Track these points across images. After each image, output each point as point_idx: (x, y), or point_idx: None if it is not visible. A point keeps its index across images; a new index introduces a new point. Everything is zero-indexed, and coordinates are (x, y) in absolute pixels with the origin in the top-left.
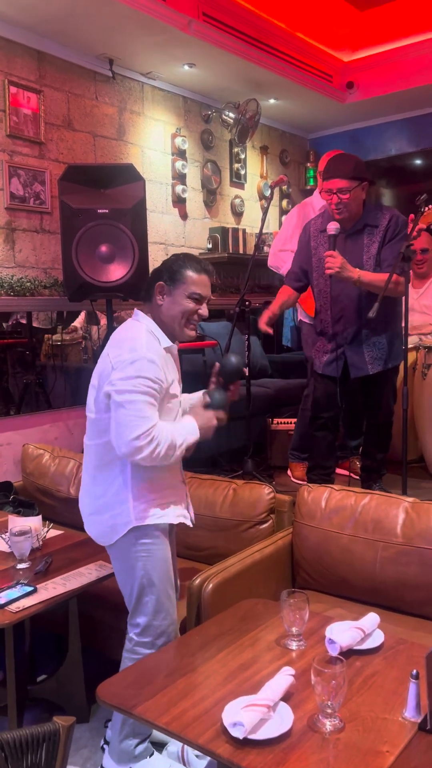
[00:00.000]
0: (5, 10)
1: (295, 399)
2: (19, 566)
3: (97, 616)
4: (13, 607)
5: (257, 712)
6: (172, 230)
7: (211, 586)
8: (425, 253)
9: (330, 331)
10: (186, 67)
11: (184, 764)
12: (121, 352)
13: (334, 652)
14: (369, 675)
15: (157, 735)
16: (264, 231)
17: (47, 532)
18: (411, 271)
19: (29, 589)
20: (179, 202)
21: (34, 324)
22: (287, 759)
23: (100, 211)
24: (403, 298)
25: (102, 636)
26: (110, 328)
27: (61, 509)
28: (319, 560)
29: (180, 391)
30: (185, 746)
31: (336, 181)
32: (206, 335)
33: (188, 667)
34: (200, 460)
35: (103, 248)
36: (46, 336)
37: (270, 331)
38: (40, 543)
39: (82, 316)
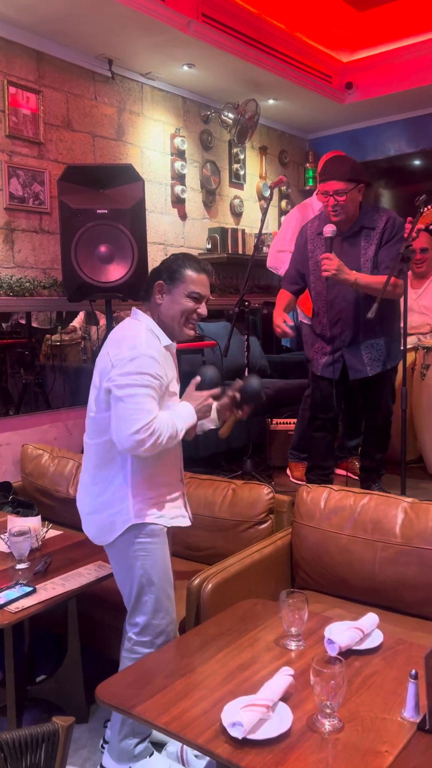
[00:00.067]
0: (4, 11)
1: (295, 399)
2: (18, 566)
3: (96, 617)
4: (12, 607)
5: (256, 712)
6: (171, 230)
7: (210, 586)
8: (425, 252)
9: (328, 334)
10: (185, 68)
11: (183, 764)
12: (121, 350)
13: (333, 652)
14: (368, 675)
15: (156, 735)
16: (263, 231)
17: (46, 532)
18: (410, 271)
19: (28, 589)
20: (178, 202)
21: (34, 324)
22: (286, 759)
23: (99, 211)
24: (402, 299)
25: (101, 636)
26: (109, 329)
27: (61, 509)
28: (318, 560)
29: (178, 390)
30: (184, 746)
31: (332, 183)
32: (205, 335)
33: (187, 667)
34: (200, 460)
35: (103, 248)
36: (45, 336)
37: (288, 331)
38: (39, 543)
39: (80, 316)
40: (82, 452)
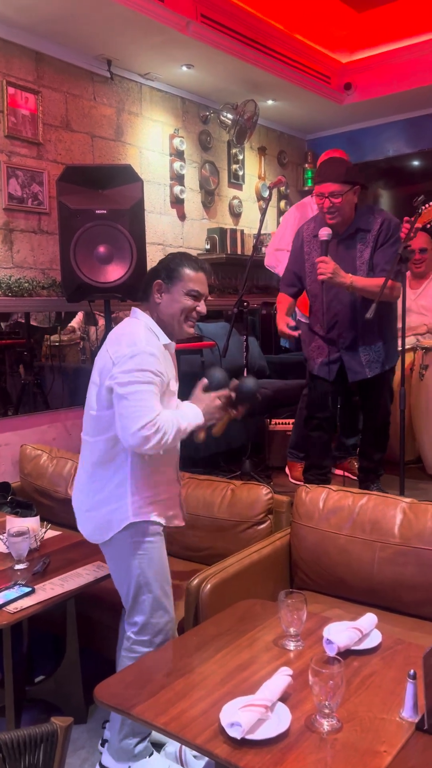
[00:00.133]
0: (3, 11)
1: (294, 400)
2: (17, 567)
3: (95, 617)
4: (11, 607)
5: (255, 713)
6: (170, 231)
7: (209, 586)
8: (424, 252)
9: (326, 335)
10: (184, 68)
11: (182, 765)
12: (121, 348)
13: (331, 653)
14: (367, 675)
15: (155, 735)
16: (262, 232)
17: (45, 532)
18: (408, 272)
19: (27, 589)
20: (177, 202)
21: (33, 323)
22: (285, 759)
23: (98, 211)
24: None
25: (100, 636)
26: (108, 329)
27: (59, 510)
28: (317, 561)
29: (177, 389)
30: (183, 747)
31: (328, 185)
32: (204, 336)
33: (186, 668)
34: (199, 460)
35: (101, 249)
36: (44, 336)
37: (294, 333)
38: (38, 544)
39: (79, 316)
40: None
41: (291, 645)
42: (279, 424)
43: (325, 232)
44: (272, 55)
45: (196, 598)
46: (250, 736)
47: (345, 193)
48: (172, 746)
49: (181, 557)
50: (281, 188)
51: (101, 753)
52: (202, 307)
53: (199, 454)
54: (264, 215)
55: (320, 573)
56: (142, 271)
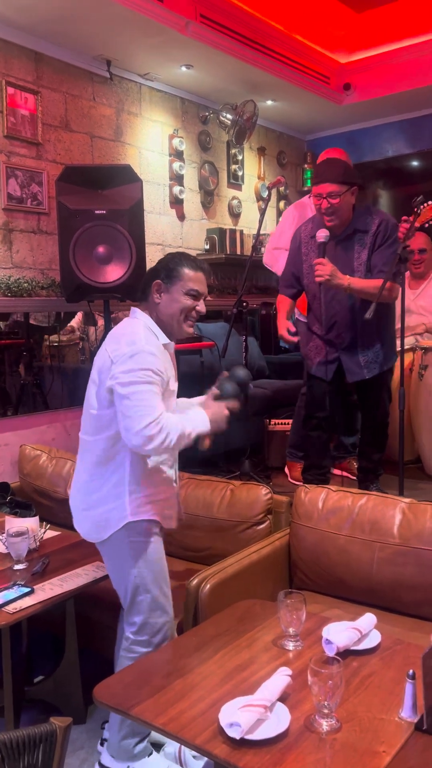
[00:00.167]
0: (3, 11)
1: (293, 400)
2: (16, 567)
3: (94, 617)
4: (10, 608)
5: (254, 713)
6: (169, 231)
7: (208, 586)
8: (423, 253)
9: (324, 336)
10: (183, 69)
11: (181, 765)
12: (120, 346)
13: (331, 653)
14: (366, 675)
15: (155, 735)
16: (261, 232)
17: (44, 533)
18: (407, 272)
19: (26, 590)
20: (176, 203)
21: (32, 321)
22: (284, 759)
23: (97, 212)
24: (400, 299)
25: (99, 637)
26: (107, 329)
27: (58, 510)
28: (317, 561)
29: (176, 388)
30: (182, 747)
31: (326, 186)
32: (204, 336)
33: (185, 668)
34: (198, 460)
35: (101, 249)
36: (43, 337)
37: (294, 339)
38: (37, 544)
39: (78, 316)
40: None
41: (290, 645)
42: (278, 424)
43: (322, 234)
44: (271, 55)
45: (195, 599)
46: (249, 737)
47: (343, 194)
48: (171, 746)
49: (180, 557)
50: (280, 188)
51: (100, 753)
52: (201, 307)
53: (198, 455)
54: (263, 215)
55: (319, 573)
56: (141, 272)
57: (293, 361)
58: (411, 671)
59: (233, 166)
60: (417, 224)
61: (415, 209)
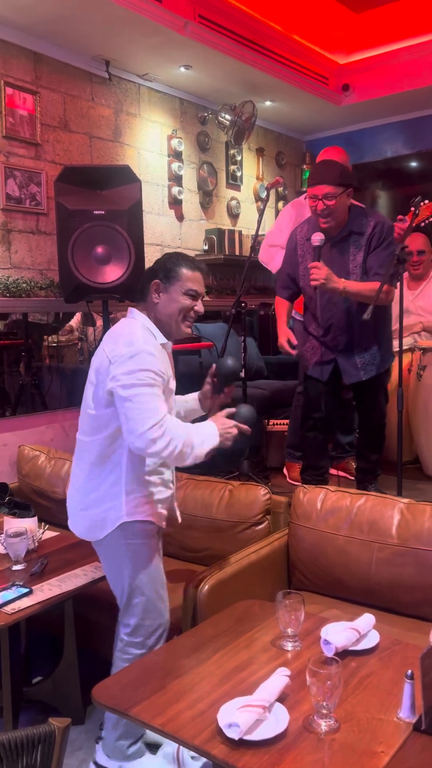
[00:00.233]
0: (1, 11)
1: (291, 400)
2: (15, 568)
3: (93, 618)
4: (9, 608)
5: (253, 713)
6: (168, 232)
7: (207, 587)
8: (422, 254)
9: (320, 338)
10: (182, 69)
11: (179, 765)
12: (118, 347)
13: (329, 653)
14: (364, 676)
15: (153, 736)
16: (260, 233)
17: (43, 533)
18: (406, 273)
19: (25, 590)
20: (175, 203)
21: (30, 320)
22: (283, 760)
23: (96, 212)
24: (398, 300)
25: (98, 637)
26: (106, 330)
27: (57, 511)
28: (315, 561)
29: (174, 387)
30: (180, 747)
31: (322, 187)
32: (202, 336)
33: (184, 669)
34: None
35: (99, 249)
36: (42, 337)
37: (293, 352)
38: (36, 544)
39: (77, 317)
40: None
41: (289, 645)
42: (277, 424)
43: (317, 238)
44: (270, 56)
45: (193, 599)
46: (247, 737)
47: (339, 196)
48: (169, 746)
49: (178, 558)
50: (279, 189)
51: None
52: (199, 307)
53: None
54: (262, 216)
55: (318, 573)
56: (140, 272)
57: (292, 362)
58: (409, 671)
59: (232, 167)
60: (414, 223)
61: (413, 209)
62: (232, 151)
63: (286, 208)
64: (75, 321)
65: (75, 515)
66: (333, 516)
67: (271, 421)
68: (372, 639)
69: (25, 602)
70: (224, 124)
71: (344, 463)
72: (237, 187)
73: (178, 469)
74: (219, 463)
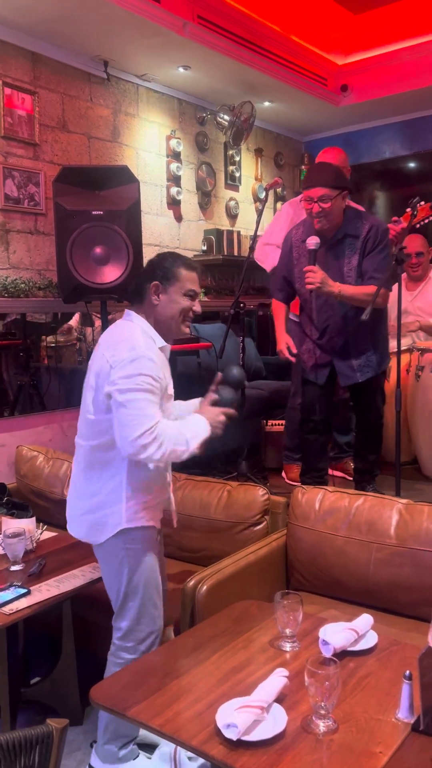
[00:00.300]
0: (0, 12)
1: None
2: (13, 568)
3: (91, 618)
4: (7, 609)
5: (251, 714)
6: (166, 232)
7: (205, 587)
8: (420, 256)
9: (316, 340)
10: (181, 70)
11: (176, 766)
12: (119, 352)
13: (327, 654)
14: (362, 676)
15: (150, 736)
16: (259, 233)
17: (41, 534)
18: (405, 274)
19: (23, 591)
20: (174, 204)
21: (29, 323)
22: (281, 760)
23: (94, 212)
24: (396, 301)
25: (96, 638)
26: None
27: (55, 511)
28: (313, 562)
29: (173, 392)
30: (178, 747)
31: (317, 190)
32: (201, 337)
33: (182, 669)
34: (195, 461)
35: (98, 250)
36: (40, 338)
37: (293, 359)
38: (34, 545)
39: (76, 317)
40: None
41: (287, 646)
42: (275, 425)
43: (312, 242)
44: (269, 56)
45: (192, 600)
46: (245, 738)
47: (334, 198)
48: (166, 746)
49: (177, 558)
50: (278, 190)
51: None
52: (198, 306)
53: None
54: (260, 217)
55: (316, 574)
56: (138, 273)
57: (290, 363)
58: (408, 672)
59: (230, 167)
60: (411, 224)
61: (410, 209)
62: (230, 152)
63: (284, 207)
64: (74, 321)
65: (75, 519)
66: (331, 516)
67: (270, 422)
68: (370, 639)
69: (23, 603)
70: (223, 125)
71: (342, 463)
72: (235, 188)
73: (176, 469)
74: (217, 464)
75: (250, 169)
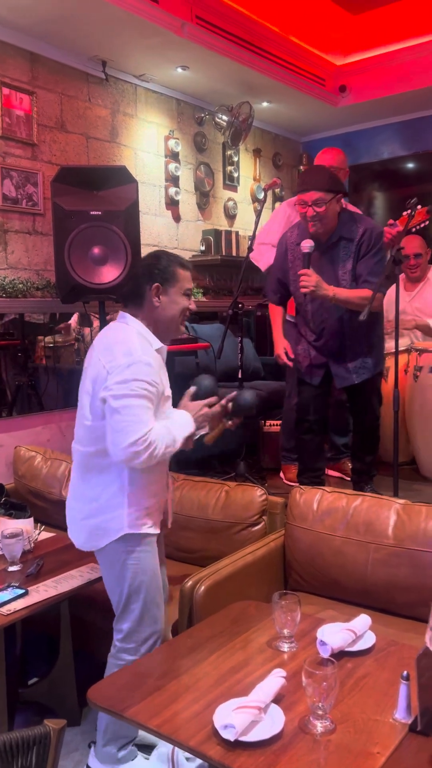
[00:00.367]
0: None
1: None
2: (11, 569)
3: (89, 619)
4: (4, 609)
5: (248, 714)
6: (165, 232)
7: (203, 588)
8: (418, 257)
9: (312, 342)
10: (179, 70)
11: (174, 767)
12: (115, 357)
13: (325, 654)
14: (360, 677)
15: (148, 737)
16: (257, 234)
17: (39, 534)
18: (403, 275)
19: (20, 591)
20: (172, 204)
21: (27, 323)
22: (278, 761)
23: (92, 213)
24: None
25: (94, 638)
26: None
27: (53, 511)
28: (311, 562)
29: (170, 393)
30: (175, 748)
31: (311, 194)
32: (199, 337)
33: (180, 670)
34: (193, 462)
35: (96, 250)
36: (38, 338)
37: (290, 364)
38: (32, 545)
39: (74, 317)
40: None
41: (285, 646)
42: (273, 425)
43: (307, 245)
44: (267, 57)
45: (190, 600)
46: (243, 738)
47: (328, 202)
48: (164, 747)
49: (174, 559)
50: (276, 190)
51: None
52: (193, 305)
53: (193, 456)
54: (259, 217)
55: (314, 574)
56: (133, 274)
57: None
58: (405, 672)
59: (229, 168)
60: (401, 227)
61: (409, 211)
62: (229, 152)
63: (281, 207)
64: (72, 322)
65: (75, 524)
66: (329, 517)
67: (268, 422)
68: (368, 640)
69: (21, 603)
70: (221, 125)
71: (340, 464)
72: (234, 188)
73: (174, 469)
74: (215, 464)
75: (248, 169)
